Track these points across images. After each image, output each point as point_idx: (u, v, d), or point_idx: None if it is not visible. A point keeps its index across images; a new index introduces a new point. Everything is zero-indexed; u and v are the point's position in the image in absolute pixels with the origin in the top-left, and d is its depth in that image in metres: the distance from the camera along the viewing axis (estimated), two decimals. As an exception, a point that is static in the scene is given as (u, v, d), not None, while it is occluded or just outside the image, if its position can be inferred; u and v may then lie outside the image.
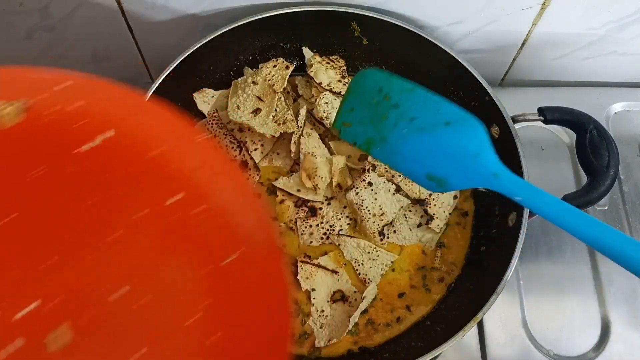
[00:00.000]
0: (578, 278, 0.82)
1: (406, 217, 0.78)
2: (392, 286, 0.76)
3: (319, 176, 0.78)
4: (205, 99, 0.83)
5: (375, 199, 0.77)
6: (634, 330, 0.79)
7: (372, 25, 0.81)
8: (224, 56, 0.83)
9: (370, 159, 0.79)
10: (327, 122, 0.80)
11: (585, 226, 0.52)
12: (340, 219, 0.78)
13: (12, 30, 0.83)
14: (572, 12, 0.82)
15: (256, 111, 0.80)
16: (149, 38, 0.86)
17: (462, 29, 0.85)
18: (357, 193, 0.77)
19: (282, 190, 0.80)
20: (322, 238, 0.78)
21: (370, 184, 0.77)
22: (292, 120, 0.79)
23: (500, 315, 0.79)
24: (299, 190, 0.79)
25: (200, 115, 0.84)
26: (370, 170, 0.78)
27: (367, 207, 0.77)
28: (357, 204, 0.77)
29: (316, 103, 0.80)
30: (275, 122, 0.79)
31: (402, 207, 0.78)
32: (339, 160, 0.79)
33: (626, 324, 0.79)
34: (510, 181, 0.58)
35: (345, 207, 0.79)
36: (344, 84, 0.82)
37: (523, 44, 0.89)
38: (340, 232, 0.78)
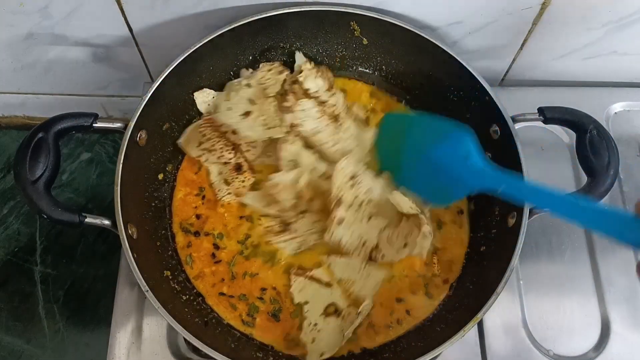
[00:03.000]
0: (578, 278, 0.82)
1: (389, 242, 0.75)
2: (391, 291, 0.75)
3: (282, 200, 0.76)
4: (206, 99, 0.83)
5: (352, 232, 0.74)
6: (634, 330, 0.79)
7: (372, 25, 0.81)
8: (224, 56, 0.83)
9: (335, 191, 0.74)
10: (301, 129, 0.78)
11: (582, 211, 0.57)
12: (313, 234, 0.76)
13: (12, 30, 0.83)
14: (572, 12, 0.82)
15: (246, 114, 0.79)
16: (149, 38, 0.86)
17: (462, 29, 0.85)
18: (332, 234, 0.74)
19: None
20: (295, 249, 0.77)
21: (340, 220, 0.74)
22: (281, 126, 0.78)
23: (500, 315, 0.79)
24: (267, 206, 0.78)
25: (200, 115, 0.84)
26: (337, 207, 0.74)
27: (346, 243, 0.74)
28: (335, 242, 0.74)
29: (294, 109, 0.78)
30: (265, 126, 0.78)
31: (381, 229, 0.75)
32: (303, 180, 0.76)
33: (626, 324, 0.79)
34: (498, 175, 0.64)
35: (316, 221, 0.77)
36: (331, 95, 0.81)
37: (523, 44, 0.89)
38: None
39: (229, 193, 0.79)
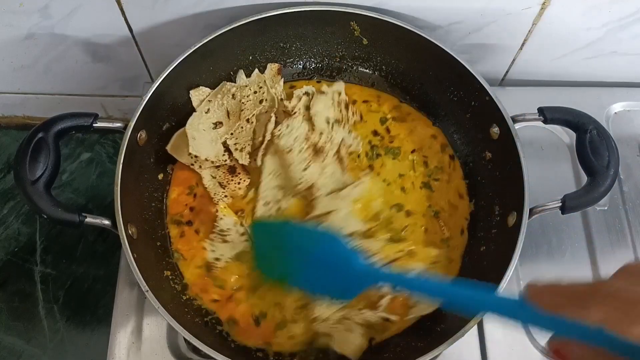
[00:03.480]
0: (578, 278, 0.82)
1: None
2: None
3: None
4: (201, 97, 0.83)
5: None
6: (634, 330, 0.79)
7: (372, 25, 0.81)
8: (224, 56, 0.83)
9: None
10: (277, 141, 0.78)
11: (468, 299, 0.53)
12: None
13: (12, 30, 0.83)
14: (572, 12, 0.82)
15: (217, 124, 0.79)
16: (149, 38, 0.87)
17: (462, 29, 0.85)
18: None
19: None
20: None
21: None
22: (247, 153, 0.78)
23: (500, 315, 0.79)
24: None
25: (200, 115, 0.84)
26: None
27: None
28: None
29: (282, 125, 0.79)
30: (234, 145, 0.78)
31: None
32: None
33: (626, 324, 0.79)
34: (385, 273, 0.64)
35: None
36: (331, 128, 0.80)
37: (523, 44, 0.89)
38: None
39: (226, 196, 0.79)
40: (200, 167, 0.79)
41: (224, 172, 0.79)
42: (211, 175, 0.80)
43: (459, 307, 0.58)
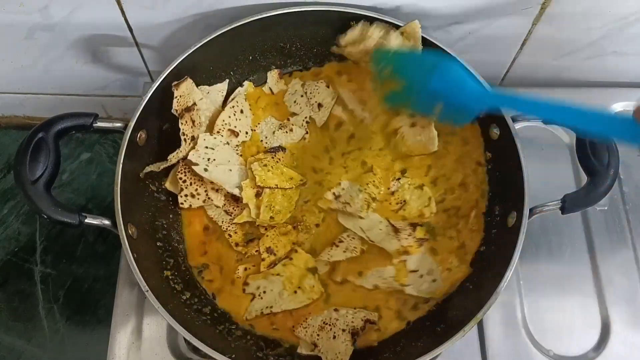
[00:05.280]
0: (578, 278, 0.82)
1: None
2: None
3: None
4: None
5: None
6: (634, 330, 0.79)
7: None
8: (224, 56, 0.83)
9: None
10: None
11: (574, 115, 0.62)
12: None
13: (12, 30, 0.83)
14: (572, 12, 0.82)
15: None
16: (149, 38, 0.87)
17: (462, 29, 0.85)
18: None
19: None
20: None
21: None
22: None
23: (500, 315, 0.79)
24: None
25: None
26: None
27: None
28: None
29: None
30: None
31: None
32: None
33: (626, 324, 0.79)
34: (496, 95, 0.71)
35: None
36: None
37: (523, 44, 0.89)
38: None
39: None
40: (191, 205, 0.78)
41: (228, 201, 0.79)
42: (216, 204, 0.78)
43: (569, 125, 0.68)
